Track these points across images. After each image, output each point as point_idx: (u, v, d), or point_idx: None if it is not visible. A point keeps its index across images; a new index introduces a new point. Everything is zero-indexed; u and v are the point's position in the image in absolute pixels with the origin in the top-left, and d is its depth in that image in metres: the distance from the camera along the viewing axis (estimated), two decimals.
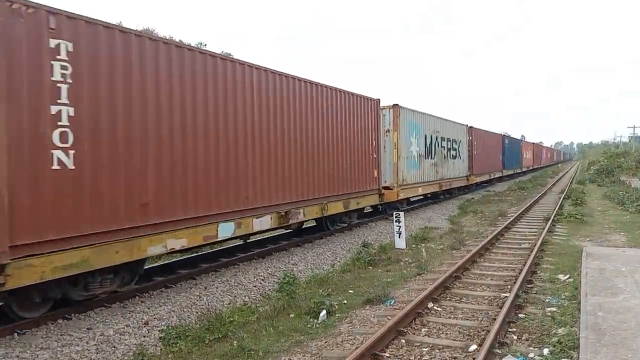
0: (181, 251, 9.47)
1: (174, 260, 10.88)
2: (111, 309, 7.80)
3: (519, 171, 51.35)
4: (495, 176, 38.60)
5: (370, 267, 11.66)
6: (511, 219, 17.59)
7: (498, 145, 39.44)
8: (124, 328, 7.11)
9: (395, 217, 13.99)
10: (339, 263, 12.20)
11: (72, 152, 6.77)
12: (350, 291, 9.59)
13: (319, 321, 7.72)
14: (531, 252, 11.51)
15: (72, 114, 6.77)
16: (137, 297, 8.39)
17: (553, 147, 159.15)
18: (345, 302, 8.82)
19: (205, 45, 60.85)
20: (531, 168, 62.37)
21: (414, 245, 14.21)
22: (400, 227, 13.94)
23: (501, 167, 40.68)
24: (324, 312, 7.96)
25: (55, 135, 6.58)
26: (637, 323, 4.99)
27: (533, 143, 70.07)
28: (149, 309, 7.90)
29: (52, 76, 6.55)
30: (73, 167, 6.77)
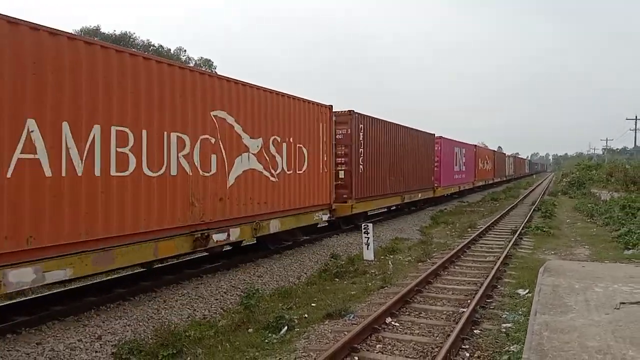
0: None
1: (136, 271, 10.72)
2: (64, 323, 7.64)
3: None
4: None
5: (337, 280, 11.65)
6: (480, 231, 17.80)
7: None
8: (75, 343, 6.98)
9: (364, 228, 14.02)
10: (305, 275, 12.17)
11: None
12: (313, 304, 9.56)
13: (278, 337, 7.67)
14: (494, 265, 11.64)
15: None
16: (92, 310, 8.24)
17: (529, 158, 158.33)
18: (306, 316, 8.79)
19: (185, 50, 60.64)
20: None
21: (382, 257, 14.25)
22: (368, 238, 13.96)
23: None
24: (285, 328, 7.91)
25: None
26: (579, 344, 5.06)
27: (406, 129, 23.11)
28: (103, 322, 7.76)
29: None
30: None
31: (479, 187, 44.19)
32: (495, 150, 62.01)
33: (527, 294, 9.52)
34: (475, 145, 42.66)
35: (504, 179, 62.53)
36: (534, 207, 27.53)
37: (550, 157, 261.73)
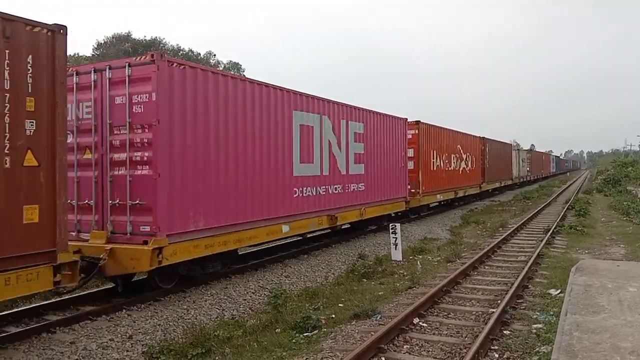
0: None
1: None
2: (97, 322, 7.83)
3: None
4: None
5: (365, 280, 11.61)
6: (511, 230, 17.50)
7: None
8: (107, 342, 7.15)
9: (392, 228, 13.94)
10: (333, 275, 12.17)
11: None
12: (340, 305, 9.56)
13: (304, 337, 7.69)
14: (526, 265, 11.42)
15: None
16: (124, 311, 8.41)
17: (562, 156, 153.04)
18: (334, 316, 8.79)
19: (215, 55, 61.45)
20: None
21: (411, 257, 14.14)
22: (396, 238, 13.87)
23: None
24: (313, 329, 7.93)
25: None
26: (611, 345, 4.93)
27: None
28: (134, 322, 7.93)
29: None
30: None
31: (431, 209, 23.78)
32: (486, 137, 32.55)
33: (559, 294, 9.31)
34: (418, 122, 20.91)
35: (509, 183, 39.75)
36: (567, 205, 26.90)
37: (585, 155, 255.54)
